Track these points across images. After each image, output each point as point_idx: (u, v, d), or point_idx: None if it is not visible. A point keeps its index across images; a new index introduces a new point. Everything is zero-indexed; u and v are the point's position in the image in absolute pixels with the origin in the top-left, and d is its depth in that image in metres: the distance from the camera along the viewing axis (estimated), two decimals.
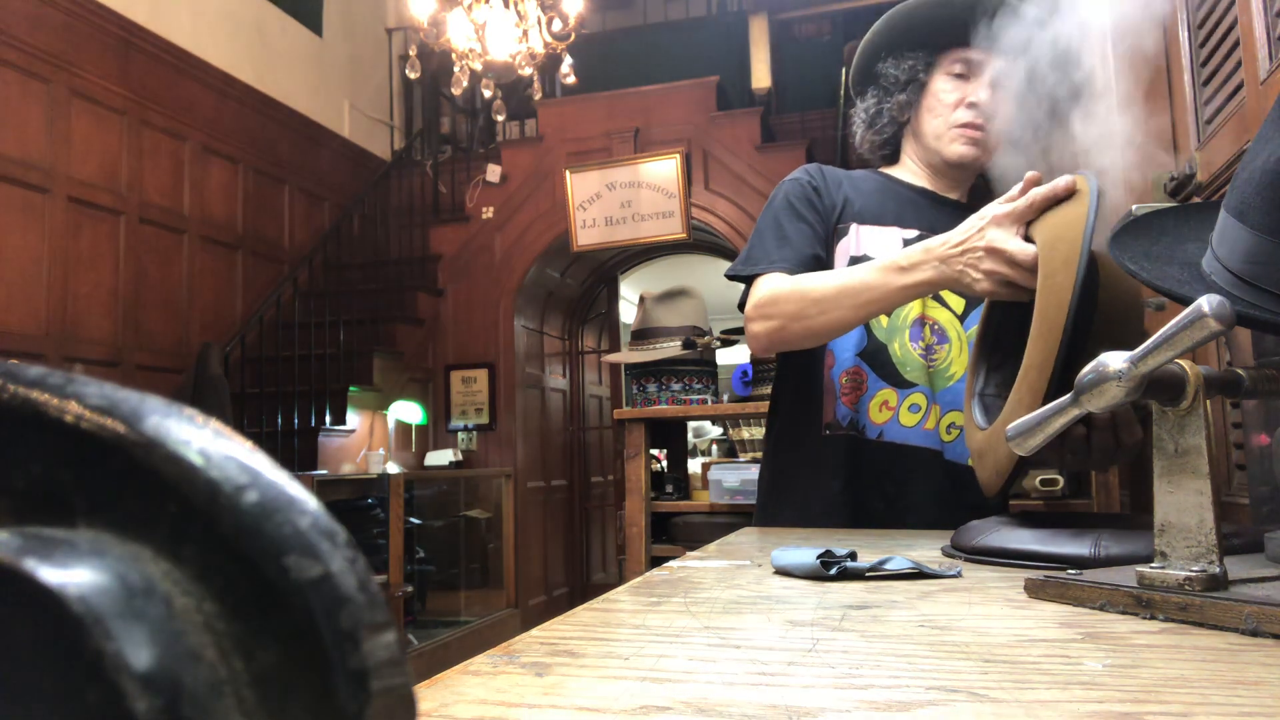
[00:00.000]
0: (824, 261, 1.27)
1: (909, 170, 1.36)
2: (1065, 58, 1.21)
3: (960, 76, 1.27)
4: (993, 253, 0.96)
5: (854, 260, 1.25)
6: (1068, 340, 0.80)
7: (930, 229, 1.17)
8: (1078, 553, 0.74)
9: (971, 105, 1.25)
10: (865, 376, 1.26)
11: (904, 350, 1.25)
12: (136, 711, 0.16)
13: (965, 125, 1.26)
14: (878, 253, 1.25)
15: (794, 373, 1.34)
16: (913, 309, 1.26)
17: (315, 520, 0.18)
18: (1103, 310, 0.85)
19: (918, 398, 1.24)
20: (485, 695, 0.42)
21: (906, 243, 1.26)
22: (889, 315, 1.25)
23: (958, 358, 1.26)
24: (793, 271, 1.22)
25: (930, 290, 1.07)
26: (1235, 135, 1.36)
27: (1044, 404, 0.81)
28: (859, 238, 1.28)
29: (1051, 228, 0.90)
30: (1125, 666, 0.45)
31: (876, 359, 1.25)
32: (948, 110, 1.27)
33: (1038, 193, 0.94)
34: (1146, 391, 0.56)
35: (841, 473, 1.25)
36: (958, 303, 1.27)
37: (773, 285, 1.20)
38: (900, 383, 1.25)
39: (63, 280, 4.08)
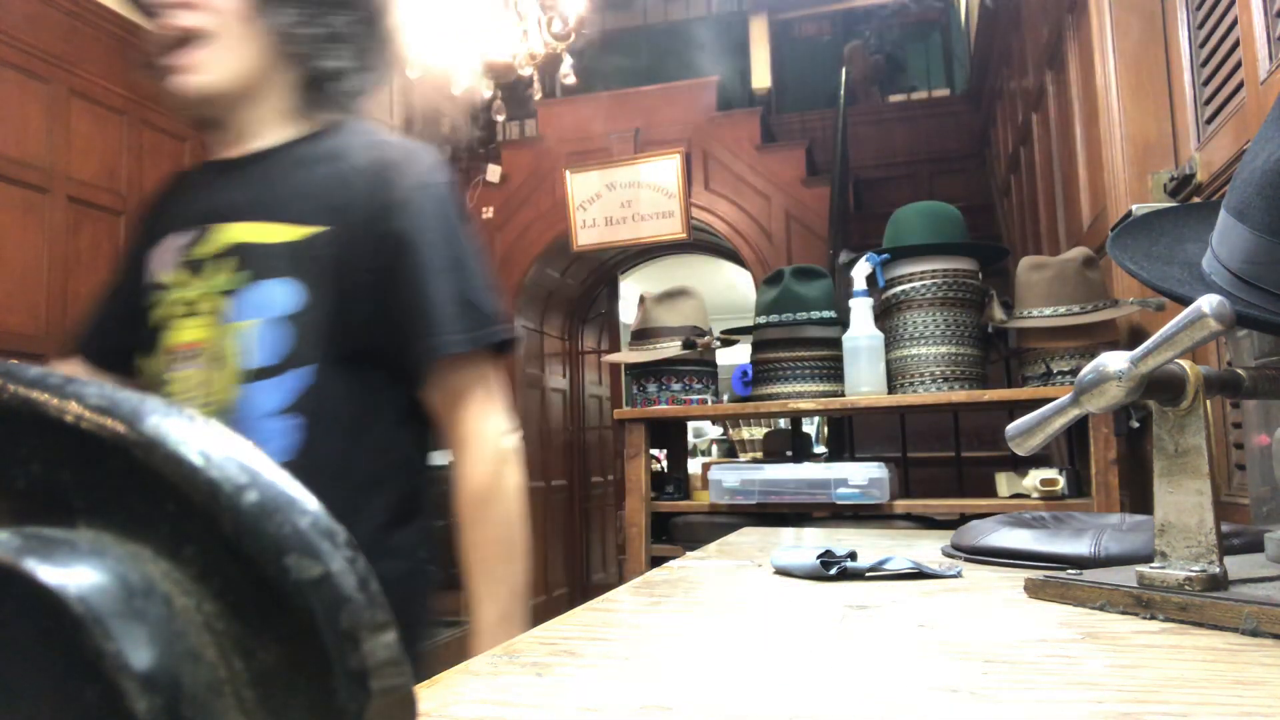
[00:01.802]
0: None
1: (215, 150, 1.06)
2: None
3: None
4: None
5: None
6: None
7: (201, 214, 0.96)
8: (1078, 553, 0.73)
9: (152, 25, 0.96)
10: None
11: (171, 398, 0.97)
12: (136, 711, 0.16)
13: (163, 55, 0.98)
14: (158, 273, 1.02)
15: None
16: (164, 349, 0.99)
17: (315, 520, 0.18)
18: None
19: None
20: (485, 695, 0.42)
21: (178, 249, 1.01)
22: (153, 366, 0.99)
23: (207, 378, 0.94)
24: None
25: None
26: (1235, 135, 1.36)
27: None
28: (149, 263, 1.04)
29: None
30: (1125, 666, 0.45)
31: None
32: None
33: None
34: (1146, 391, 0.56)
35: None
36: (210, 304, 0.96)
37: None
38: None
39: (63, 280, 4.08)
